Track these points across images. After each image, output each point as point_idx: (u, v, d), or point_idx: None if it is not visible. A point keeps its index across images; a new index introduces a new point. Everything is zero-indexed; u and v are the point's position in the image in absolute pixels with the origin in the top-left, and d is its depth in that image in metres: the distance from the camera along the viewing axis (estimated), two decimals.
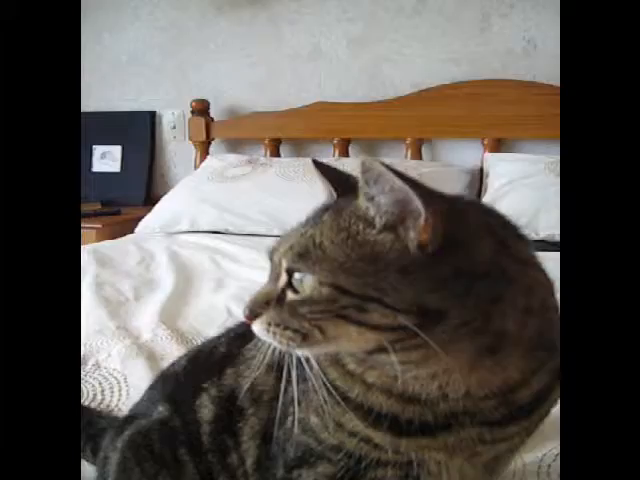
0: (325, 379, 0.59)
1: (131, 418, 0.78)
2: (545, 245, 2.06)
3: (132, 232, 2.40)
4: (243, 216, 2.29)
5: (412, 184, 0.52)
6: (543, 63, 2.42)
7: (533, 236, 2.10)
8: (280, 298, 0.57)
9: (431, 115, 2.50)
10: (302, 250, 0.56)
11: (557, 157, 2.33)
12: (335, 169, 0.66)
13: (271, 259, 0.59)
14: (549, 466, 0.89)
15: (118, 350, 1.22)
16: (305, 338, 0.55)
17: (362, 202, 0.56)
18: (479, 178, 2.45)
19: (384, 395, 0.59)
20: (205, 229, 2.31)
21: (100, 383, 1.10)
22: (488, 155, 2.47)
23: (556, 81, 2.33)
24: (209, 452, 0.70)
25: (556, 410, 0.96)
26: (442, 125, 2.51)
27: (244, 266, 1.87)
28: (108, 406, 1.04)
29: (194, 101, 2.76)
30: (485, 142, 2.49)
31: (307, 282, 0.55)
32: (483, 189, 2.37)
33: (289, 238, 0.58)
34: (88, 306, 1.49)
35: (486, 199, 2.23)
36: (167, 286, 1.68)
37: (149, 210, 2.48)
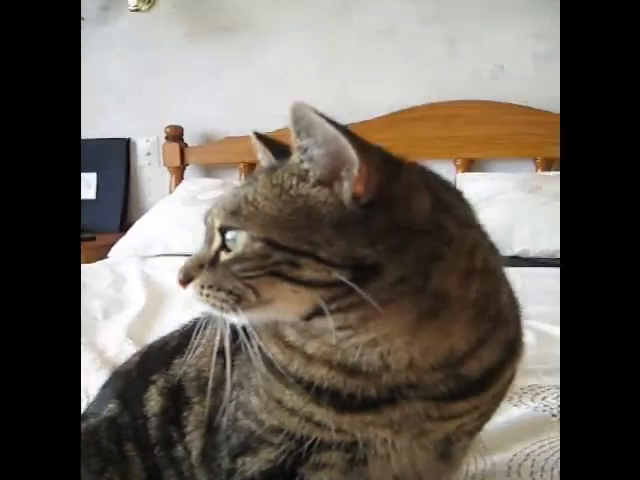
0: (265, 353, 0.58)
1: (82, 418, 0.77)
2: (519, 261, 2.08)
3: (107, 258, 2.39)
4: None
5: (346, 132, 0.51)
6: (511, 85, 2.46)
7: (507, 252, 2.12)
8: (214, 260, 0.55)
9: (403, 137, 2.52)
10: (234, 208, 0.55)
11: (527, 175, 2.37)
12: (275, 140, 0.65)
13: (205, 222, 0.58)
14: (520, 465, 0.88)
15: (82, 363, 1.20)
16: (239, 300, 0.54)
17: (295, 156, 0.55)
18: None
19: (325, 367, 0.57)
20: (179, 252, 2.29)
21: None
22: (460, 175, 2.49)
23: (523, 102, 2.38)
24: (155, 446, 0.69)
25: (528, 412, 0.98)
26: (414, 147, 2.52)
27: None
28: None
29: (168, 127, 2.78)
30: (457, 162, 2.52)
31: (240, 240, 0.54)
32: None
33: (223, 199, 0.57)
34: None
35: None
36: (137, 305, 1.67)
37: (124, 236, 2.47)
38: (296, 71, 2.71)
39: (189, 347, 0.67)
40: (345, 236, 0.51)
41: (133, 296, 1.79)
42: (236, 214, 0.54)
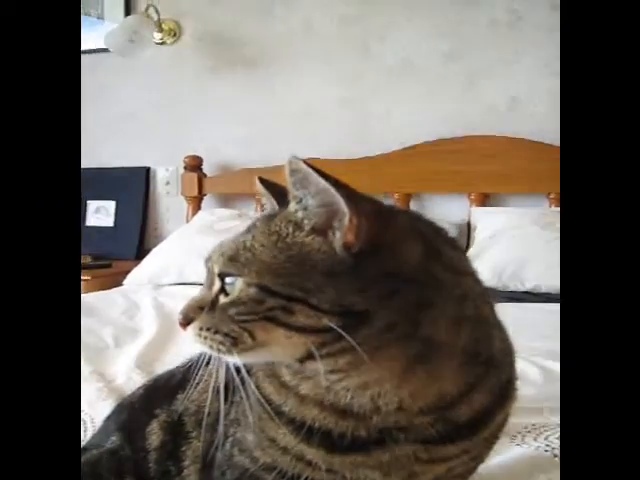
0: (258, 393, 0.59)
1: (84, 450, 0.78)
2: (531, 296, 2.07)
3: (122, 285, 2.42)
4: None
5: (336, 185, 0.53)
6: (527, 120, 2.48)
7: (519, 287, 2.11)
8: (213, 303, 0.57)
9: (419, 171, 2.54)
10: (233, 254, 0.56)
11: (542, 210, 2.37)
12: (278, 184, 0.66)
13: (206, 266, 0.60)
14: None
15: (89, 393, 1.21)
16: (235, 343, 0.55)
17: (292, 205, 0.57)
18: (467, 232, 2.47)
19: (317, 408, 0.58)
20: (193, 280, 2.31)
21: None
22: (475, 209, 2.50)
23: (540, 137, 2.39)
24: None
25: (529, 452, 0.97)
26: (429, 180, 2.55)
27: None
28: None
29: (187, 157, 2.82)
30: (472, 196, 2.53)
31: (237, 285, 0.55)
32: (471, 242, 2.39)
33: (223, 245, 0.59)
34: None
35: (472, 251, 2.25)
36: (148, 334, 1.68)
37: (140, 264, 2.51)
38: (315, 104, 2.76)
39: (191, 382, 0.68)
40: (335, 283, 0.53)
41: (145, 324, 1.80)
42: (233, 260, 0.56)
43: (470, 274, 0.61)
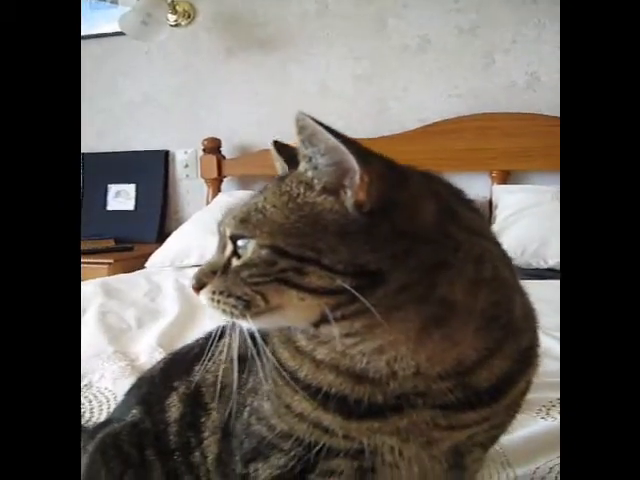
0: (274, 359, 0.59)
1: (106, 423, 0.79)
2: (554, 273, 2.05)
3: (144, 268, 2.44)
4: None
5: (347, 142, 0.52)
6: (547, 96, 2.43)
7: (542, 264, 2.10)
8: (226, 267, 0.56)
9: (438, 149, 2.52)
10: (244, 216, 0.56)
11: None
12: (291, 147, 0.64)
13: (219, 230, 0.59)
14: (542, 479, 0.87)
15: (112, 371, 1.23)
16: (248, 306, 0.55)
17: (302, 165, 0.56)
18: (489, 210, 2.45)
19: (333, 372, 0.57)
20: None
21: (90, 401, 1.11)
22: (496, 187, 2.47)
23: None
24: (175, 451, 0.70)
25: (555, 425, 0.97)
26: (449, 159, 2.52)
27: None
28: (95, 424, 1.04)
29: (206, 140, 2.83)
30: (493, 174, 2.50)
31: (249, 247, 0.54)
32: (493, 220, 2.37)
33: (235, 208, 0.58)
34: (89, 333, 1.51)
35: (495, 228, 2.23)
36: (170, 314, 1.70)
37: (161, 246, 2.52)
38: (332, 84, 2.74)
39: (207, 353, 0.68)
40: (348, 243, 0.52)
41: (167, 305, 1.82)
42: (245, 222, 0.55)
43: (487, 236, 0.59)
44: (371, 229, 0.52)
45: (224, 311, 0.56)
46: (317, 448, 0.59)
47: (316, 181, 0.55)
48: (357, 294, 0.51)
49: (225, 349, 0.68)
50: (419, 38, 2.60)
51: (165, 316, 1.70)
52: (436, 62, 2.59)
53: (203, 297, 0.57)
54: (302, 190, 0.55)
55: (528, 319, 0.62)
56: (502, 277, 0.58)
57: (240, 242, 0.55)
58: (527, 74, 2.49)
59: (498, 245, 0.60)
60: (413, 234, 0.53)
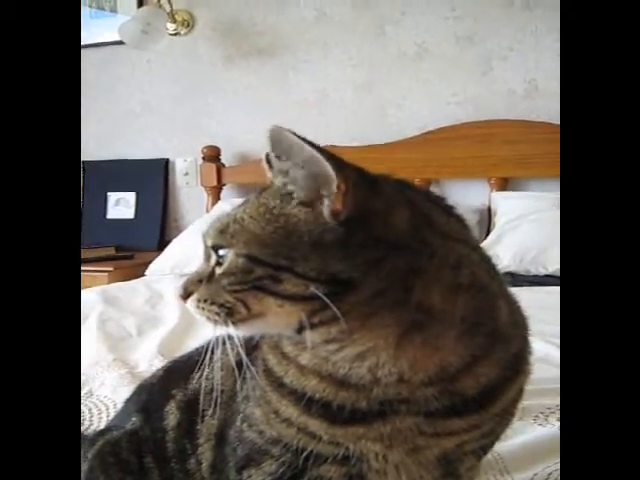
0: (263, 364, 0.61)
1: (105, 430, 0.79)
2: (553, 279, 2.06)
3: (144, 276, 2.44)
4: None
5: (322, 151, 0.54)
6: (545, 103, 2.45)
7: (541, 271, 2.10)
8: (210, 276, 0.58)
9: (437, 157, 2.53)
10: (223, 227, 0.58)
11: None
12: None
13: (203, 240, 0.61)
14: None
15: (112, 379, 1.23)
16: (230, 313, 0.57)
17: (278, 179, 0.57)
18: (487, 217, 2.46)
19: (316, 378, 0.59)
20: None
21: (90, 409, 1.12)
22: (495, 194, 2.48)
23: (559, 120, 2.36)
24: (172, 459, 0.71)
25: (553, 432, 0.97)
26: (448, 166, 2.53)
27: None
28: (95, 431, 1.04)
29: (205, 148, 2.83)
30: (492, 181, 2.51)
31: (228, 256, 0.57)
32: (492, 227, 2.38)
33: (216, 219, 0.61)
34: (89, 341, 1.51)
35: (493, 235, 2.24)
36: (171, 322, 1.70)
37: (161, 254, 2.53)
38: (331, 91, 2.75)
39: (204, 361, 0.69)
40: (322, 252, 0.54)
41: (168, 313, 1.82)
42: (224, 232, 0.58)
43: (466, 242, 0.60)
44: (346, 237, 0.54)
45: (208, 318, 0.58)
46: (305, 454, 0.60)
47: (295, 195, 0.56)
48: (326, 300, 0.53)
49: (223, 357, 0.69)
50: (417, 46, 2.62)
51: (165, 324, 1.71)
52: (434, 70, 2.61)
53: (189, 305, 0.60)
54: (278, 202, 0.57)
55: (517, 326, 0.62)
56: (481, 283, 0.58)
57: (221, 252, 0.57)
58: (525, 81, 2.50)
59: (479, 251, 0.61)
60: (387, 241, 0.55)
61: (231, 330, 0.58)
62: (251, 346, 0.64)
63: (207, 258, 0.60)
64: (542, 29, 2.46)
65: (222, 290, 0.56)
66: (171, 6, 2.80)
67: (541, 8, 2.45)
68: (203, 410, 0.70)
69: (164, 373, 0.81)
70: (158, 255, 2.55)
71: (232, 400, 0.67)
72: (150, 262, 2.51)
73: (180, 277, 2.32)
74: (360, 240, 0.54)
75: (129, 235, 2.93)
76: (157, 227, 2.95)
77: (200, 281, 0.59)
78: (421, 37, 2.61)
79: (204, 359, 0.69)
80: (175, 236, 2.70)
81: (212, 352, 0.70)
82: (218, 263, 0.58)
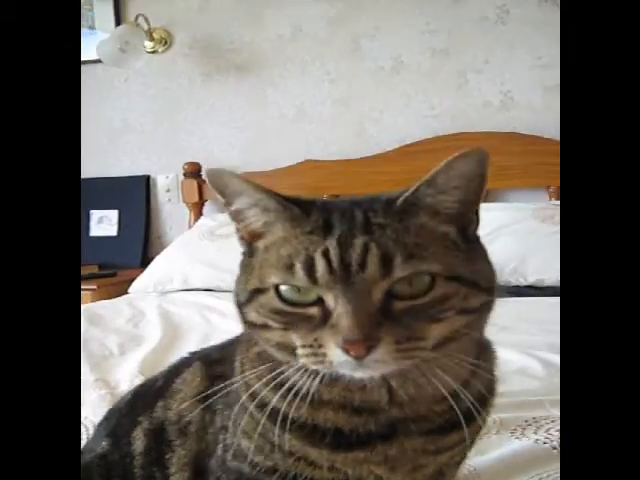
0: (260, 402, 0.60)
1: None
2: (533, 290, 2.08)
3: (127, 293, 2.44)
4: (232, 272, 2.31)
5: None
6: (521, 114, 2.49)
7: (521, 281, 2.11)
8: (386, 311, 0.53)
9: (416, 169, 2.46)
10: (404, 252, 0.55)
11: (542, 204, 2.37)
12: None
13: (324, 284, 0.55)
14: None
15: (92, 399, 1.23)
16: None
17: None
18: None
19: (331, 410, 0.59)
20: (197, 286, 2.34)
21: None
22: None
23: (535, 131, 2.39)
24: None
25: (529, 444, 0.97)
26: None
27: (233, 320, 1.87)
28: None
29: (186, 164, 2.84)
30: None
31: (422, 280, 0.54)
32: None
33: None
34: None
35: None
36: (153, 341, 1.70)
37: (144, 272, 2.53)
38: (309, 107, 2.77)
39: (169, 390, 0.70)
40: None
41: (150, 331, 1.81)
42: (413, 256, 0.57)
43: None
44: None
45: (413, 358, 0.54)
46: None
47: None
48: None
49: (184, 387, 0.70)
50: (393, 60, 2.65)
51: (147, 342, 1.70)
52: (411, 83, 2.64)
53: (380, 355, 0.52)
54: None
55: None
56: None
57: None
58: (501, 93, 2.54)
59: None
60: None
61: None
62: (214, 375, 0.65)
63: (361, 297, 0.53)
64: (516, 42, 2.50)
65: (425, 320, 0.54)
66: (148, 24, 2.81)
67: (514, 22, 2.50)
68: (171, 440, 0.69)
69: (132, 397, 0.80)
70: (141, 272, 2.54)
71: (203, 431, 0.67)
72: (133, 279, 2.50)
73: (162, 294, 2.31)
74: None
75: (112, 252, 2.92)
76: (140, 244, 2.94)
77: (379, 323, 0.53)
78: (397, 51, 2.64)
79: (167, 387, 0.71)
80: (158, 252, 2.70)
81: (174, 380, 0.72)
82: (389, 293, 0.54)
